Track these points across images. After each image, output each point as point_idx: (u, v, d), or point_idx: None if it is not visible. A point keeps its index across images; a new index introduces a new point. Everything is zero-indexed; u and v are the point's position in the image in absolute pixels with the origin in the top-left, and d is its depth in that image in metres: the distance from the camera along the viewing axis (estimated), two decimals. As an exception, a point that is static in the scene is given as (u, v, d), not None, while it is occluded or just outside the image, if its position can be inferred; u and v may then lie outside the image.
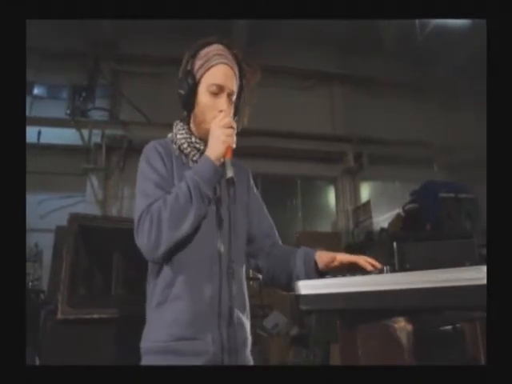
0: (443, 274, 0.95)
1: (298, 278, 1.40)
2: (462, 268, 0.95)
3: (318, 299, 1.07)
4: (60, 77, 7.34)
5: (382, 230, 6.79)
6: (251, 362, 1.54)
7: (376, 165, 7.99)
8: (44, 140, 6.99)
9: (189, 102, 1.56)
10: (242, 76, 1.61)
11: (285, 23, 6.65)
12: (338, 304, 1.06)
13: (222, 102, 1.52)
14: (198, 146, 1.57)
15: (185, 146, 1.57)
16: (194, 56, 1.56)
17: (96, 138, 7.22)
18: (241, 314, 1.51)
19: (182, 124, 1.62)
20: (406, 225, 6.18)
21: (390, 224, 6.68)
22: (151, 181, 1.49)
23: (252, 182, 1.77)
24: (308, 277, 1.45)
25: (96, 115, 7.43)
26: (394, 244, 4.21)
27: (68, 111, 7.12)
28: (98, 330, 2.70)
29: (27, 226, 1.29)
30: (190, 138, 1.58)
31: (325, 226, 8.30)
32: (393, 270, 1.10)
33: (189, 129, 1.61)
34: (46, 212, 6.70)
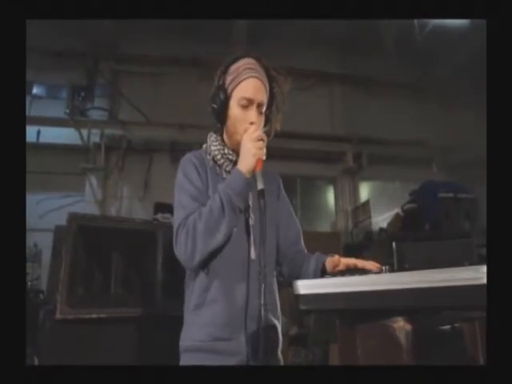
0: (442, 273, 0.96)
1: None
2: (461, 268, 0.95)
3: (316, 299, 1.07)
4: (59, 76, 7.33)
5: (381, 229, 6.80)
6: (281, 362, 1.63)
7: (375, 165, 7.98)
8: (43, 139, 6.98)
9: (221, 115, 1.63)
10: (272, 85, 1.67)
11: (285, 23, 6.65)
12: (336, 304, 1.06)
13: (253, 114, 1.59)
14: (230, 157, 1.65)
15: (218, 157, 1.65)
16: (225, 72, 1.63)
17: (95, 137, 7.21)
18: (272, 317, 1.59)
19: (215, 136, 1.70)
20: (405, 225, 6.18)
21: (389, 224, 6.69)
22: (187, 193, 1.57)
23: (282, 188, 1.86)
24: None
25: (95, 115, 7.42)
26: (393, 244, 4.21)
27: (67, 111, 7.11)
28: (96, 330, 2.70)
29: (26, 226, 1.29)
30: (223, 150, 1.66)
31: (324, 226, 8.29)
32: (392, 270, 1.10)
33: (222, 140, 1.68)
34: (45, 212, 6.69)
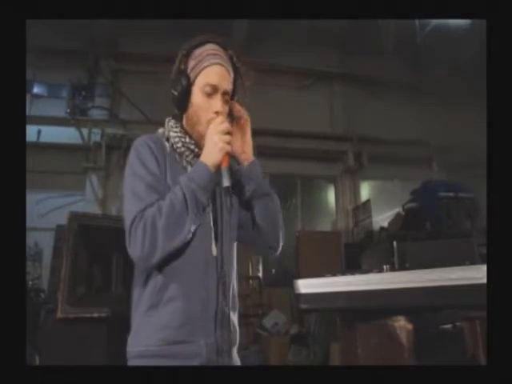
0: (443, 273, 0.96)
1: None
2: (462, 267, 0.95)
3: (317, 298, 1.07)
4: (60, 76, 7.34)
5: (382, 229, 6.80)
6: (238, 362, 1.51)
7: (376, 164, 7.99)
8: (44, 139, 6.98)
9: (182, 102, 1.52)
10: (236, 75, 1.57)
11: (285, 23, 6.65)
12: (337, 303, 1.06)
13: (217, 102, 1.48)
14: (192, 147, 1.52)
15: (179, 144, 1.52)
16: (187, 55, 1.52)
17: (96, 136, 7.21)
18: (233, 316, 1.50)
19: (174, 121, 1.57)
20: (406, 224, 6.18)
21: (390, 223, 6.69)
22: (143, 181, 1.43)
23: None
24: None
25: (96, 114, 7.43)
26: (394, 243, 4.21)
27: (68, 110, 7.12)
28: (97, 329, 2.70)
29: (27, 225, 1.29)
30: (185, 138, 1.53)
31: (325, 225, 8.30)
32: (392, 269, 1.10)
33: (182, 127, 1.56)
34: (46, 211, 6.70)
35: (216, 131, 1.41)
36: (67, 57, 7.27)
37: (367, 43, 7.10)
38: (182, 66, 1.51)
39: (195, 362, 1.36)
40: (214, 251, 1.44)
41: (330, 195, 8.51)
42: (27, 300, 3.80)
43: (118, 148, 7.24)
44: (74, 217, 2.87)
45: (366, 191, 8.37)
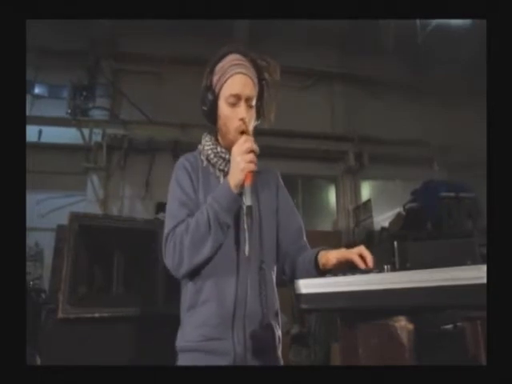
0: (444, 272, 0.95)
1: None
2: (463, 267, 0.95)
3: (318, 298, 1.07)
4: (61, 76, 7.35)
5: (383, 229, 6.80)
6: (281, 363, 1.59)
7: (377, 164, 7.99)
8: (45, 139, 6.99)
9: (212, 116, 1.62)
10: (261, 77, 1.65)
11: (285, 22, 6.65)
12: (338, 303, 1.06)
13: (241, 110, 1.56)
14: (223, 155, 1.62)
15: (211, 156, 1.63)
16: (211, 72, 1.62)
17: (97, 137, 7.22)
18: (269, 316, 1.55)
19: (209, 136, 1.68)
20: (407, 224, 6.18)
21: (391, 223, 6.69)
22: (177, 200, 1.57)
23: (281, 184, 1.80)
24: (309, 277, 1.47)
25: (97, 114, 7.43)
26: (395, 243, 4.21)
27: (68, 110, 7.13)
28: (98, 329, 2.71)
29: (28, 225, 1.29)
30: (216, 148, 1.63)
31: (325, 225, 8.30)
32: (393, 269, 1.10)
33: (216, 140, 1.67)
34: (47, 211, 6.71)
35: (239, 151, 1.46)
36: (68, 57, 7.28)
37: (367, 43, 7.11)
38: (208, 83, 1.62)
39: (227, 359, 1.45)
40: (247, 251, 1.49)
41: (331, 195, 8.51)
42: (28, 300, 3.81)
43: (119, 148, 7.25)
44: (75, 217, 2.87)
45: (366, 191, 8.37)
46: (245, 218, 1.47)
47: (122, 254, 3.01)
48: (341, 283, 1.05)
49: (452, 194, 5.90)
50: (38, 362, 2.92)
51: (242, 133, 1.54)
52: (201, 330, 1.49)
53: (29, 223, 1.44)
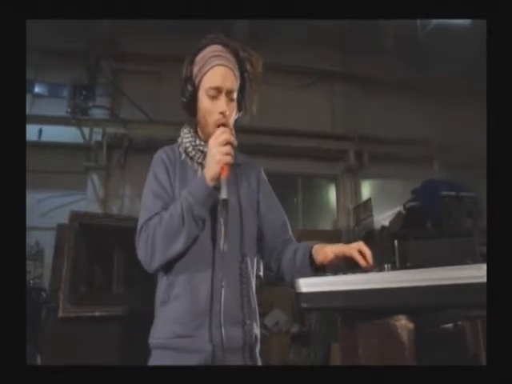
0: (444, 272, 0.96)
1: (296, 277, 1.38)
2: (463, 266, 0.95)
3: (318, 297, 1.07)
4: (61, 75, 7.34)
5: (383, 228, 6.80)
6: (259, 362, 1.55)
7: (377, 163, 7.98)
8: (45, 138, 6.98)
9: (191, 108, 1.59)
10: (242, 69, 1.62)
11: (285, 22, 6.65)
12: (338, 302, 1.06)
13: (222, 103, 1.53)
14: (201, 148, 1.59)
15: (190, 149, 1.60)
16: (191, 62, 1.58)
17: (97, 136, 7.21)
18: (245, 314, 1.51)
19: (188, 128, 1.66)
20: (407, 223, 6.18)
21: (391, 222, 6.69)
22: (152, 192, 1.54)
23: (264, 178, 1.77)
24: (304, 275, 1.43)
25: (97, 113, 7.42)
26: (395, 242, 4.21)
27: (69, 109, 7.12)
28: (99, 328, 2.71)
29: (28, 225, 1.29)
30: (195, 141, 1.60)
31: (326, 224, 8.30)
32: (394, 268, 1.10)
33: (195, 132, 1.64)
34: (47, 210, 6.70)
35: (215, 143, 1.42)
36: (68, 56, 7.27)
37: (367, 43, 7.10)
38: (188, 73, 1.57)
39: (199, 357, 1.41)
40: (222, 246, 1.42)
41: (331, 194, 8.51)
42: (28, 299, 3.81)
43: (119, 147, 7.24)
44: (75, 216, 2.87)
45: (366, 190, 8.37)
46: (220, 211, 1.42)
47: (122, 253, 3.01)
48: (341, 282, 1.05)
49: (452, 194, 5.90)
50: (39, 361, 2.92)
51: (221, 113, 1.51)
52: (172, 327, 1.46)
53: (29, 222, 1.44)
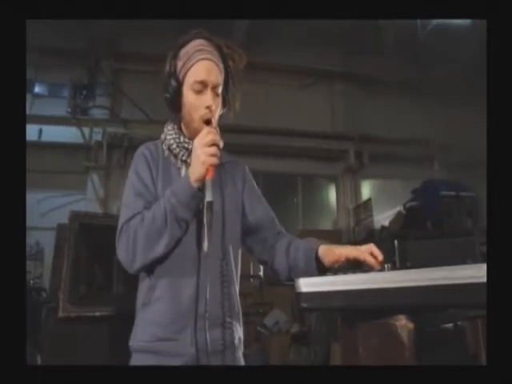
0: (444, 271, 0.96)
1: (298, 275, 1.36)
2: (463, 266, 0.95)
3: (318, 297, 1.07)
4: (61, 75, 7.34)
5: (383, 227, 6.80)
6: (242, 363, 1.52)
7: (377, 163, 7.99)
8: (45, 138, 6.99)
9: (175, 104, 1.56)
10: (226, 64, 1.58)
11: (285, 22, 6.65)
12: (338, 302, 1.06)
13: (207, 97, 1.49)
14: (186, 145, 1.55)
15: (174, 146, 1.55)
16: (175, 57, 1.55)
17: (97, 136, 7.22)
18: (227, 316, 1.48)
19: (172, 125, 1.60)
20: (407, 223, 6.19)
21: (391, 222, 6.69)
22: (133, 190, 1.50)
23: (248, 176, 1.72)
24: (309, 275, 1.35)
25: (97, 113, 7.43)
26: (395, 242, 4.21)
27: (69, 109, 7.13)
28: (99, 328, 2.71)
29: (28, 225, 1.30)
30: (179, 138, 1.56)
31: (326, 224, 8.30)
32: (394, 268, 1.10)
33: (179, 129, 1.59)
34: (47, 210, 6.71)
35: (200, 143, 1.38)
36: (68, 56, 7.27)
37: (367, 43, 7.10)
38: (171, 69, 1.54)
39: (180, 361, 1.37)
40: (205, 247, 1.40)
41: (331, 194, 8.51)
42: (28, 299, 3.81)
43: (119, 147, 7.25)
44: (75, 216, 2.87)
45: (366, 190, 8.38)
46: (205, 213, 1.37)
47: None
48: (341, 282, 1.05)
49: (452, 193, 5.90)
50: (39, 361, 2.92)
51: (208, 121, 1.47)
52: (152, 329, 1.42)
53: (29, 222, 1.44)
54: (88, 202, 7.02)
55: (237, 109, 1.64)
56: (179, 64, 1.53)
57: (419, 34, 6.96)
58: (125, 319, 2.73)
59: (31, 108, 7.11)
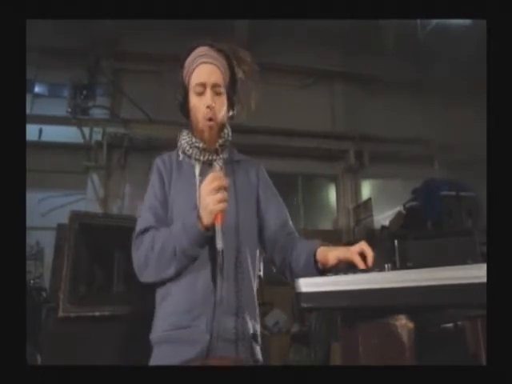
0: (444, 271, 0.96)
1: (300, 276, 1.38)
2: (464, 266, 0.95)
3: (318, 297, 1.07)
4: (61, 75, 7.35)
5: (383, 227, 6.80)
6: (260, 359, 1.56)
7: (377, 163, 8.00)
8: (45, 138, 7.01)
9: (184, 109, 1.66)
10: (232, 66, 1.66)
11: (286, 22, 6.65)
12: (338, 302, 1.06)
13: (207, 97, 1.57)
14: (197, 144, 1.62)
15: (187, 148, 1.63)
16: (181, 67, 1.65)
17: (97, 135, 7.23)
18: (240, 307, 1.51)
19: (186, 131, 1.69)
20: (407, 223, 6.18)
21: (391, 222, 6.69)
22: (146, 202, 1.61)
23: (263, 173, 1.79)
24: (308, 275, 1.42)
25: (97, 113, 7.44)
26: (395, 242, 4.21)
27: (69, 109, 7.13)
28: (99, 328, 2.71)
29: (28, 225, 1.30)
30: (191, 140, 1.63)
31: (326, 224, 8.31)
32: (394, 268, 1.10)
33: (192, 133, 1.66)
34: (47, 210, 6.72)
35: (207, 191, 1.40)
36: (68, 56, 7.28)
37: (367, 42, 7.10)
38: (179, 78, 1.65)
39: (198, 348, 1.42)
40: (220, 245, 1.45)
41: (331, 194, 8.52)
42: (28, 299, 3.81)
43: (119, 147, 7.26)
44: (75, 216, 2.86)
45: (367, 190, 8.38)
46: (217, 260, 1.46)
47: (122, 253, 3.00)
48: (341, 282, 1.05)
49: (452, 193, 5.89)
50: (39, 361, 2.92)
51: (210, 119, 1.55)
52: (170, 320, 1.49)
53: (29, 222, 1.44)
54: (88, 201, 7.03)
55: (252, 106, 1.73)
56: (184, 72, 1.63)
57: (419, 33, 6.97)
58: (125, 319, 2.73)
59: (31, 108, 7.13)
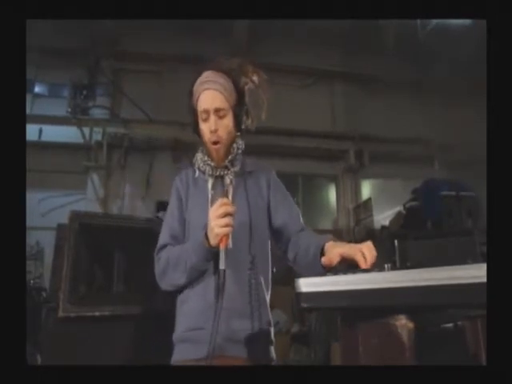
0: (444, 271, 0.95)
1: (309, 270, 1.56)
2: (464, 266, 0.95)
3: (318, 297, 1.07)
4: (61, 75, 7.35)
5: (383, 227, 6.80)
6: (273, 359, 1.64)
7: (377, 163, 8.00)
8: (45, 138, 7.00)
9: (196, 133, 1.78)
10: (238, 82, 1.75)
11: (285, 22, 6.65)
12: (338, 302, 1.05)
13: (211, 122, 1.68)
14: (209, 162, 1.74)
15: (201, 165, 1.76)
16: (190, 93, 1.76)
17: (97, 135, 7.23)
18: (253, 310, 1.62)
19: (201, 148, 1.81)
20: (407, 223, 6.18)
21: (391, 222, 6.69)
22: (166, 219, 1.79)
23: (274, 179, 1.90)
24: (317, 270, 1.53)
25: (97, 113, 7.43)
26: (395, 242, 4.21)
27: (69, 109, 7.13)
28: (99, 328, 2.71)
29: (28, 225, 1.30)
30: (204, 158, 1.76)
31: (326, 224, 8.31)
32: (394, 268, 1.10)
33: (205, 152, 1.78)
34: (48, 210, 6.72)
35: (214, 216, 1.52)
36: (68, 56, 7.28)
37: (368, 42, 7.10)
38: (190, 104, 1.77)
39: (206, 348, 1.48)
40: (222, 266, 1.52)
41: (332, 194, 8.52)
42: (28, 299, 3.81)
43: (119, 147, 7.25)
44: (75, 216, 2.86)
45: (367, 190, 8.38)
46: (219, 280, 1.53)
47: (122, 253, 3.00)
48: (341, 282, 1.05)
49: (452, 193, 5.89)
50: (39, 361, 2.92)
51: (215, 143, 1.68)
52: (186, 321, 1.63)
53: (29, 222, 1.45)
54: (88, 201, 7.03)
55: (262, 117, 1.89)
56: (193, 99, 1.74)
57: (419, 33, 6.97)
58: (125, 319, 2.73)
59: (31, 108, 7.12)
